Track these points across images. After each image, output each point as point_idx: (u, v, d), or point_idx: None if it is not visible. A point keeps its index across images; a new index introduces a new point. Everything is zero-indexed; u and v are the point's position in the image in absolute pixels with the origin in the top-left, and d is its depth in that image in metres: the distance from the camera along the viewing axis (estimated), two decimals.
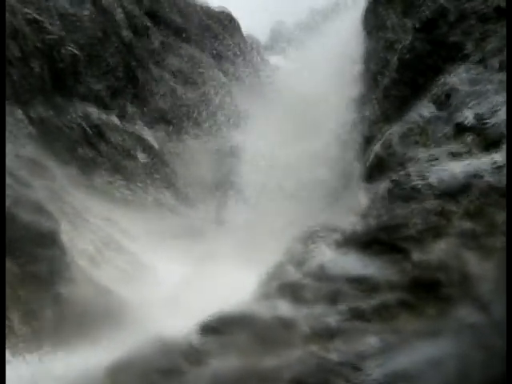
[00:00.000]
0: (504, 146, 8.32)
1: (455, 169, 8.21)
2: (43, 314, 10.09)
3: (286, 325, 7.06)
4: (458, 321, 6.38)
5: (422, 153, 10.05)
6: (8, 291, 9.70)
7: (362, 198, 11.26)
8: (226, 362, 6.62)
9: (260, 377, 6.34)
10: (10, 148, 11.65)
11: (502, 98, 9.27)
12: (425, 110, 11.01)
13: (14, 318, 9.76)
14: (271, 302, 7.54)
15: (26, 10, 15.72)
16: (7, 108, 12.95)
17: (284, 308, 7.37)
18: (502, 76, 9.75)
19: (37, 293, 10.24)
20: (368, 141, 13.37)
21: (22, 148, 12.39)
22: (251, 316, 7.28)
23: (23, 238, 10.44)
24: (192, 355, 6.84)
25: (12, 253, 10.10)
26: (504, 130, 8.65)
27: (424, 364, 6.15)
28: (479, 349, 5.95)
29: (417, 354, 6.29)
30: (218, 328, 7.22)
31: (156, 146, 18.43)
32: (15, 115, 13.88)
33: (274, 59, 23.37)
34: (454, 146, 9.41)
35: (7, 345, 9.23)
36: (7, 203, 10.35)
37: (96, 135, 16.98)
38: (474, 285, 6.57)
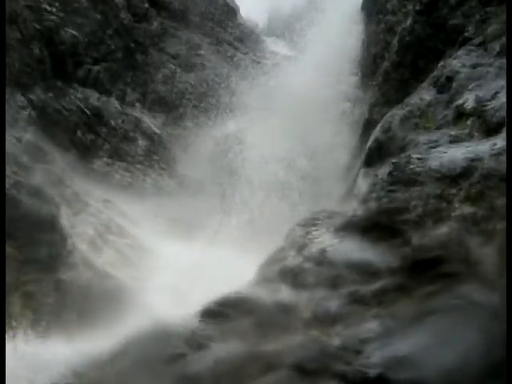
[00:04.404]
0: (504, 129, 8.30)
1: (455, 152, 8.16)
2: (44, 298, 10.11)
3: (287, 309, 7.08)
4: (461, 299, 6.37)
5: (422, 136, 10.03)
6: (9, 275, 9.72)
7: (362, 182, 11.26)
8: (227, 347, 6.64)
9: (261, 361, 6.35)
10: (10, 132, 11.62)
11: (502, 81, 9.23)
12: (425, 92, 10.97)
13: (15, 301, 9.78)
14: (272, 286, 7.55)
15: None
16: (8, 92, 12.89)
17: (285, 292, 7.38)
18: (503, 59, 9.71)
19: (37, 277, 10.25)
20: (368, 124, 13.36)
21: (22, 132, 12.34)
22: (252, 300, 7.28)
23: (23, 221, 10.43)
24: (193, 340, 6.86)
25: (12, 237, 10.09)
26: (504, 113, 8.61)
27: (423, 348, 6.16)
28: (479, 333, 5.96)
29: (416, 339, 6.30)
30: (219, 312, 7.23)
31: (155, 129, 18.38)
32: (16, 99, 13.81)
33: (272, 44, 23.26)
34: (455, 130, 9.39)
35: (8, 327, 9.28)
36: (7, 186, 10.34)
37: (95, 118, 16.93)
38: (477, 266, 6.57)
